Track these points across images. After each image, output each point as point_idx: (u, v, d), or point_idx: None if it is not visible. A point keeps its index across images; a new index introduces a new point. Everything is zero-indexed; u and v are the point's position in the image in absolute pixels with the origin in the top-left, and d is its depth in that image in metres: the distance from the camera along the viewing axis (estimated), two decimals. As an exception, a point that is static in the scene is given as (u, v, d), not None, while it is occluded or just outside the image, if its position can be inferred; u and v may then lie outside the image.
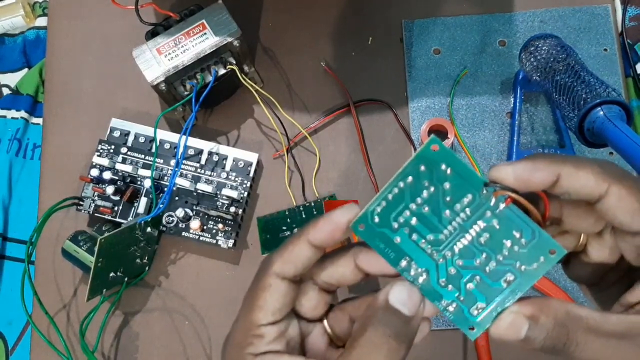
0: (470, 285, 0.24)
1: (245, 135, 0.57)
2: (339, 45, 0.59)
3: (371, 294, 0.26)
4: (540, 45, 0.50)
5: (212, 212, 0.52)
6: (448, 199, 0.24)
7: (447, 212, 0.24)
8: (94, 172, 0.53)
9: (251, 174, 0.54)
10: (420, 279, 0.24)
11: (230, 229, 0.53)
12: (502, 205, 0.23)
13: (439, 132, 0.54)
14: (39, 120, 0.61)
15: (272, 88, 0.57)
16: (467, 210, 0.24)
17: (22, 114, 0.61)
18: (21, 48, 0.63)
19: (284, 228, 0.52)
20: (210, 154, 0.54)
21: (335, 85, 0.57)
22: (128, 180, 0.54)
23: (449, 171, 0.24)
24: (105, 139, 0.55)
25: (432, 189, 0.24)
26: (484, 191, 0.24)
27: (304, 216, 0.52)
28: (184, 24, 0.51)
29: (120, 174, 0.54)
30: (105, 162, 0.53)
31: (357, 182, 0.56)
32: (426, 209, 0.24)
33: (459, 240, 0.24)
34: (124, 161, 0.54)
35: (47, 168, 0.58)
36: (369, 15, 0.59)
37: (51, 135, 0.58)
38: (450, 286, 0.24)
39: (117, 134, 0.55)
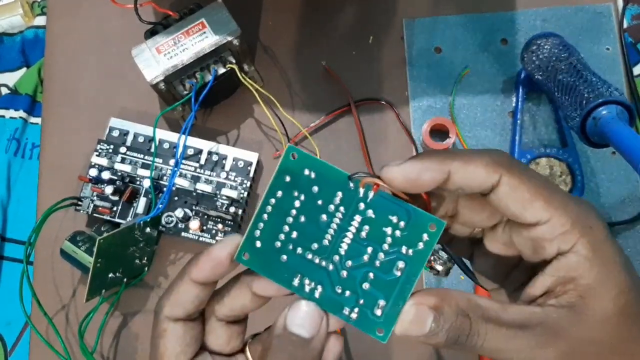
0: (366, 285, 0.23)
1: (245, 135, 0.57)
2: (339, 44, 0.58)
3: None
4: (542, 44, 0.50)
5: (212, 213, 0.52)
6: (320, 202, 0.23)
7: (324, 216, 0.23)
8: (93, 172, 0.53)
9: (251, 174, 0.54)
10: (317, 293, 0.23)
11: (230, 229, 0.53)
12: (371, 194, 0.23)
13: (440, 131, 0.54)
14: (38, 120, 0.61)
15: (272, 87, 0.57)
16: (341, 208, 0.23)
17: (21, 113, 0.61)
18: (20, 47, 0.63)
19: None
20: (209, 153, 0.54)
21: (336, 84, 0.57)
22: (127, 180, 0.53)
23: (313, 175, 0.24)
24: (104, 139, 0.55)
25: (302, 197, 0.23)
26: (351, 184, 0.23)
27: None
28: (183, 22, 0.51)
29: (119, 173, 0.53)
30: (104, 162, 0.53)
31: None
32: (302, 218, 0.23)
33: (342, 241, 0.23)
34: (123, 161, 0.54)
35: (46, 168, 0.57)
36: (370, 14, 0.59)
37: (50, 135, 0.58)
38: (347, 292, 0.23)
39: (116, 133, 0.55)
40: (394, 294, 0.23)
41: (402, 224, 0.23)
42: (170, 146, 0.54)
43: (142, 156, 0.54)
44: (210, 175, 0.53)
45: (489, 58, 0.57)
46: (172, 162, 0.54)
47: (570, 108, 0.46)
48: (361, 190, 0.23)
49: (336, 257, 0.23)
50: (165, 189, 0.53)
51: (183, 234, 0.53)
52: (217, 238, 0.53)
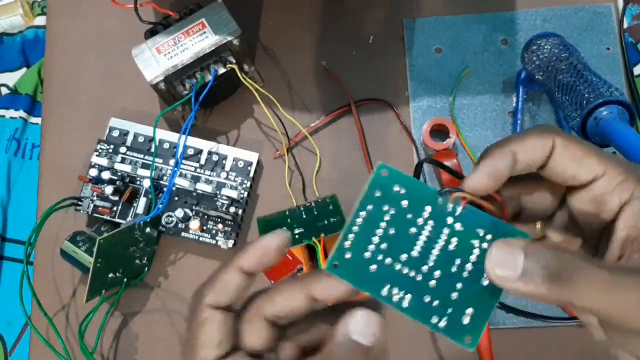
0: (454, 295, 0.23)
1: (245, 135, 0.57)
2: (339, 44, 0.58)
3: (322, 322, 0.26)
4: (542, 44, 0.50)
5: (212, 213, 0.52)
6: (409, 216, 0.24)
7: (413, 229, 0.24)
8: (93, 172, 0.53)
9: (251, 174, 0.54)
10: (405, 302, 0.24)
11: (230, 229, 0.53)
12: (459, 208, 0.24)
13: (440, 131, 0.54)
14: (38, 120, 0.61)
15: (272, 87, 0.57)
16: (430, 222, 0.24)
17: (21, 113, 0.61)
18: (20, 47, 0.63)
19: (284, 229, 0.51)
20: (209, 153, 0.54)
21: (336, 84, 0.57)
22: (127, 180, 0.53)
23: (402, 190, 0.25)
24: (104, 139, 0.55)
25: (392, 210, 0.25)
26: (440, 200, 0.24)
27: (304, 216, 0.52)
28: (183, 22, 0.51)
29: (119, 173, 0.53)
30: (104, 162, 0.53)
31: (358, 182, 0.55)
32: (392, 231, 0.24)
33: (431, 253, 0.24)
34: (123, 161, 0.54)
35: (46, 168, 0.57)
36: (370, 14, 0.59)
37: (50, 135, 0.58)
38: (435, 301, 0.24)
39: (116, 133, 0.55)
40: (481, 303, 0.23)
41: (488, 236, 0.24)
42: (171, 146, 0.54)
43: (142, 156, 0.54)
44: (210, 175, 0.53)
45: (489, 58, 0.57)
46: (172, 162, 0.54)
47: (570, 108, 0.46)
48: (450, 205, 0.24)
49: (425, 268, 0.24)
50: (165, 189, 0.53)
51: (183, 234, 0.53)
52: (217, 238, 0.53)
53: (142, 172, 0.53)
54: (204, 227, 0.53)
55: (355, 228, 0.25)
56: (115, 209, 0.53)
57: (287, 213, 0.53)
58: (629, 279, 0.21)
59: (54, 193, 0.54)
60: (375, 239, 0.24)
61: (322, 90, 0.57)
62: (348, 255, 0.24)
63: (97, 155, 0.54)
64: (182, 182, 0.52)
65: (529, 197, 0.26)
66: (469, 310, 0.23)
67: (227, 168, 0.54)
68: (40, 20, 0.63)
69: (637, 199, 0.23)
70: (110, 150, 0.54)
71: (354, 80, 0.57)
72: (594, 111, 0.44)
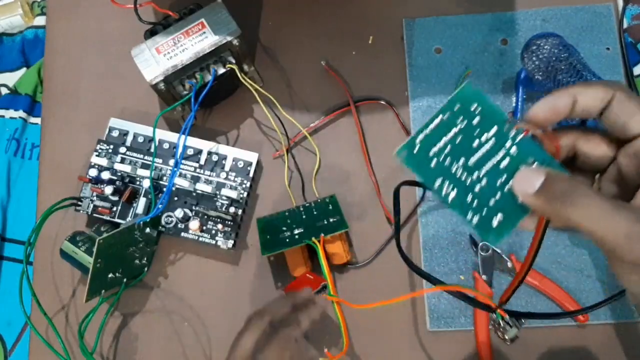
0: (492, 201, 0.28)
1: (245, 135, 0.57)
2: (339, 44, 0.58)
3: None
4: (542, 45, 0.50)
5: (212, 213, 0.52)
6: (477, 131, 0.29)
7: (476, 142, 0.29)
8: (93, 172, 0.53)
9: (251, 174, 0.54)
10: (451, 196, 0.29)
11: (229, 229, 0.53)
12: (520, 136, 0.29)
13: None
14: (38, 120, 0.61)
15: (272, 87, 0.57)
16: (492, 140, 0.29)
17: (21, 113, 0.61)
18: (20, 47, 0.63)
19: (284, 229, 0.51)
20: (209, 153, 0.54)
21: (336, 84, 0.57)
22: (127, 180, 0.53)
23: (478, 109, 0.29)
24: (104, 139, 0.55)
25: (464, 123, 0.29)
26: (507, 125, 0.29)
27: (304, 217, 0.52)
28: (183, 23, 0.51)
29: (119, 174, 0.53)
30: (103, 162, 0.53)
31: (358, 182, 0.55)
32: (459, 139, 0.29)
33: (484, 165, 0.29)
34: (122, 161, 0.54)
35: (46, 168, 0.57)
36: (370, 14, 0.59)
37: (49, 135, 0.58)
38: (475, 202, 0.28)
39: (115, 133, 0.55)
40: (510, 215, 0.28)
41: (535, 165, 0.28)
42: (170, 146, 0.54)
43: (141, 156, 0.54)
44: (210, 176, 0.53)
45: (489, 58, 0.57)
46: (171, 162, 0.54)
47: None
48: (513, 132, 0.29)
49: (475, 175, 0.29)
50: (165, 189, 0.53)
51: (183, 234, 0.53)
52: (216, 238, 0.53)
53: (141, 172, 0.53)
54: (204, 227, 0.53)
55: (429, 128, 0.30)
56: (115, 209, 0.53)
57: (286, 214, 0.53)
58: (624, 211, 0.24)
59: (53, 193, 0.54)
60: (443, 141, 0.29)
61: (322, 91, 0.57)
62: (416, 149, 0.30)
63: (96, 156, 0.54)
64: (181, 182, 0.52)
65: (585, 145, 0.29)
66: (499, 217, 0.28)
67: (227, 168, 0.54)
68: (40, 21, 0.63)
69: None
70: (110, 151, 0.54)
71: (353, 80, 0.57)
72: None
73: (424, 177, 0.29)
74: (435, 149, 0.29)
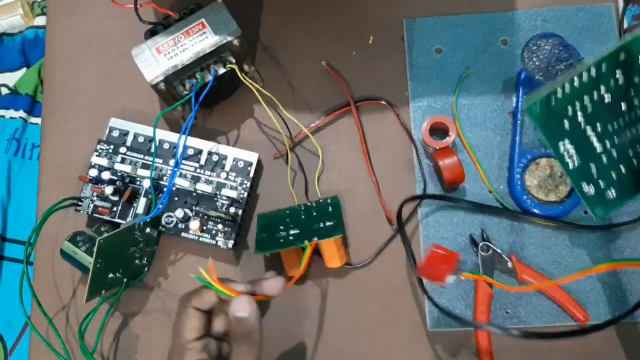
0: (613, 175, 0.25)
1: (245, 135, 0.57)
2: (339, 44, 0.58)
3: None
4: (542, 45, 0.50)
5: (212, 213, 0.52)
6: (632, 92, 0.24)
7: (624, 105, 0.24)
8: (93, 172, 0.53)
9: (251, 174, 0.54)
10: (571, 164, 0.25)
11: (230, 229, 0.53)
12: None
13: (440, 130, 0.54)
14: (38, 120, 0.61)
15: (272, 87, 0.57)
16: None
17: (21, 113, 0.61)
18: (20, 47, 0.63)
19: (281, 227, 0.51)
20: (209, 153, 0.54)
21: (336, 84, 0.57)
22: (127, 180, 0.53)
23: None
24: (104, 139, 0.55)
25: (621, 80, 0.24)
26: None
27: (302, 217, 0.52)
28: (183, 23, 0.51)
29: (119, 174, 0.53)
30: (104, 162, 0.53)
31: (358, 182, 0.55)
32: (607, 98, 0.24)
33: (621, 135, 0.24)
34: (123, 161, 0.54)
35: (46, 168, 0.57)
36: (370, 13, 0.59)
37: (50, 135, 0.58)
38: (595, 173, 0.25)
39: (116, 133, 0.55)
40: (626, 193, 0.25)
41: None
42: (171, 146, 0.54)
43: (142, 156, 0.54)
44: (210, 176, 0.53)
45: (489, 58, 0.57)
46: (172, 162, 0.54)
47: (570, 108, 0.46)
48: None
49: (608, 144, 0.25)
50: (165, 189, 0.53)
51: (183, 234, 0.53)
52: (217, 238, 0.53)
53: (142, 172, 0.53)
54: (204, 228, 0.53)
55: (575, 82, 0.24)
56: (115, 209, 0.53)
57: (287, 212, 0.53)
58: None
59: (54, 193, 0.54)
60: (585, 100, 0.24)
61: (322, 91, 0.57)
62: (552, 103, 0.25)
63: (97, 156, 0.54)
64: (182, 183, 0.52)
65: None
66: (613, 192, 0.26)
67: (227, 168, 0.54)
68: (40, 21, 0.63)
69: None
70: (110, 151, 0.54)
71: (354, 80, 0.57)
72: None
73: (550, 139, 0.26)
74: (573, 109, 0.25)
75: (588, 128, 0.25)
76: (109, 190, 0.52)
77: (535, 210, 0.52)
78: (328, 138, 0.56)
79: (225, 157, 0.54)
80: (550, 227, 0.53)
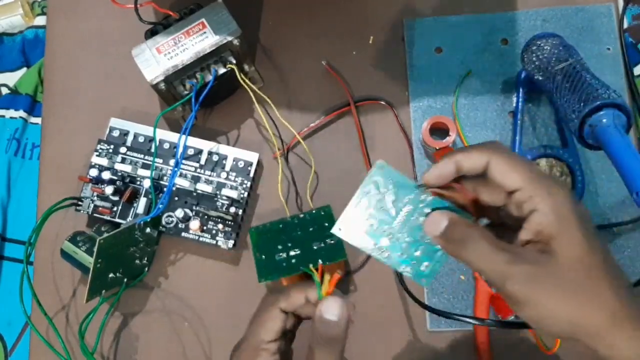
0: (418, 253, 0.35)
1: (246, 135, 0.57)
2: (339, 44, 0.58)
3: None
4: (542, 45, 0.50)
5: (212, 213, 0.52)
6: (394, 198, 0.35)
7: (395, 209, 0.35)
8: (93, 172, 0.53)
9: (251, 174, 0.54)
10: (385, 255, 0.35)
11: (230, 229, 0.53)
12: (429, 198, 0.34)
13: (440, 129, 0.54)
14: (38, 120, 0.61)
15: (272, 87, 0.57)
16: (408, 206, 0.34)
17: (21, 113, 0.61)
18: (20, 47, 0.63)
19: (279, 247, 0.48)
20: (210, 153, 0.54)
21: (336, 84, 0.57)
22: (127, 180, 0.53)
23: (392, 182, 0.34)
24: (105, 139, 0.55)
25: (384, 195, 0.35)
26: (417, 191, 0.34)
27: (299, 232, 0.49)
28: (183, 23, 0.51)
29: (120, 174, 0.53)
30: (104, 162, 0.53)
31: (357, 182, 0.55)
32: (381, 208, 0.35)
33: (406, 225, 0.35)
34: (123, 161, 0.54)
35: (46, 168, 0.57)
36: (371, 14, 0.59)
37: (50, 135, 0.58)
38: (405, 256, 0.35)
39: (116, 133, 0.55)
40: (435, 259, 0.35)
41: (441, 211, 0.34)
42: (171, 146, 0.54)
43: (142, 156, 0.54)
44: (210, 176, 0.53)
45: (490, 58, 0.57)
46: (172, 162, 0.54)
47: (569, 110, 0.46)
48: (423, 195, 0.34)
49: (400, 235, 0.35)
50: (165, 189, 0.53)
51: (183, 234, 0.53)
52: (217, 238, 0.53)
53: (142, 172, 0.53)
54: (204, 228, 0.53)
55: (357, 204, 0.35)
56: (115, 209, 0.53)
57: (280, 226, 0.50)
58: (501, 254, 0.30)
59: (54, 193, 0.54)
60: (370, 212, 0.35)
61: (322, 91, 0.57)
62: (349, 223, 0.35)
63: (97, 156, 0.54)
64: (182, 182, 0.52)
65: (484, 189, 0.34)
66: (426, 263, 0.35)
67: (227, 168, 0.54)
68: (41, 20, 0.63)
69: (537, 211, 0.31)
70: (111, 151, 0.54)
71: (354, 80, 0.57)
72: (589, 116, 0.44)
73: (359, 244, 0.34)
74: (365, 220, 0.35)
75: (383, 230, 0.34)
76: (109, 190, 0.52)
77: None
78: (328, 137, 0.56)
79: (225, 157, 0.54)
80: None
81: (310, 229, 0.49)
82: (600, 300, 0.30)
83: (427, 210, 0.34)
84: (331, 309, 0.36)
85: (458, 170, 0.33)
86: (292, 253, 0.48)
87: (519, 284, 0.30)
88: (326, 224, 0.49)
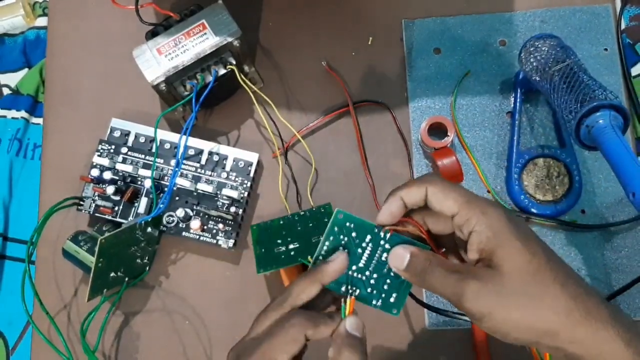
0: (385, 286, 0.37)
1: (246, 135, 0.57)
2: (339, 45, 0.59)
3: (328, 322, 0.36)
4: (540, 46, 0.50)
5: (213, 212, 0.52)
6: (357, 241, 0.37)
7: (359, 249, 0.37)
8: (95, 172, 0.53)
9: (251, 174, 0.54)
10: (356, 293, 0.37)
11: (230, 229, 0.53)
12: (388, 235, 0.37)
13: (439, 129, 0.54)
14: (39, 120, 0.61)
15: (272, 88, 0.57)
16: (370, 245, 0.37)
17: (23, 114, 0.61)
18: (21, 48, 0.63)
19: (279, 241, 0.50)
20: (210, 154, 0.54)
21: (335, 85, 0.57)
22: (128, 180, 0.54)
23: (352, 226, 0.37)
24: (106, 139, 0.55)
25: (346, 238, 0.37)
26: (376, 230, 0.37)
27: (299, 227, 0.50)
28: (184, 24, 0.51)
29: (121, 174, 0.54)
30: (105, 162, 0.53)
31: (354, 183, 0.56)
32: (346, 251, 0.37)
33: (371, 263, 0.37)
34: (124, 161, 0.54)
35: (48, 168, 0.58)
36: (370, 15, 0.59)
37: (51, 135, 0.58)
38: (374, 291, 0.38)
39: (117, 134, 0.55)
40: (401, 290, 0.38)
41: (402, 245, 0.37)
42: (171, 146, 0.55)
43: (143, 156, 0.54)
44: (211, 176, 0.54)
45: (488, 59, 0.57)
46: (173, 162, 0.54)
47: (566, 110, 0.46)
48: (382, 234, 0.37)
49: (367, 273, 0.37)
50: (166, 189, 0.53)
51: (184, 233, 0.53)
52: (217, 238, 0.53)
53: (143, 172, 0.54)
54: (205, 227, 0.53)
55: (324, 249, 0.37)
56: (116, 208, 0.54)
57: (281, 222, 0.51)
58: (452, 276, 0.33)
59: (55, 193, 0.55)
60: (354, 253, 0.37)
61: (322, 91, 0.58)
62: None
63: (98, 156, 0.54)
64: (183, 182, 0.53)
65: (431, 220, 0.37)
66: (394, 295, 0.38)
67: (228, 168, 0.54)
68: (42, 21, 0.64)
69: (475, 232, 0.33)
70: (112, 151, 0.54)
71: (353, 81, 0.57)
72: (586, 117, 0.44)
73: (331, 286, 0.36)
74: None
75: (350, 270, 0.37)
76: (110, 190, 0.52)
77: (533, 210, 0.53)
78: (327, 138, 0.57)
79: (225, 157, 0.54)
80: (548, 226, 0.54)
81: (310, 225, 0.50)
82: (552, 301, 0.31)
83: (388, 246, 0.37)
84: (356, 326, 0.36)
85: (405, 205, 0.36)
86: (291, 246, 0.49)
87: (471, 301, 0.32)
88: (326, 220, 0.49)
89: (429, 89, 0.57)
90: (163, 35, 0.51)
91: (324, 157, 0.56)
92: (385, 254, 0.37)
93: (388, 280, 0.37)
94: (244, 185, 0.53)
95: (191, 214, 0.53)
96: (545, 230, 0.53)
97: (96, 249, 0.48)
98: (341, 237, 0.37)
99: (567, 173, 0.53)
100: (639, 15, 0.60)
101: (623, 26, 0.58)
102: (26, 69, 0.63)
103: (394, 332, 0.53)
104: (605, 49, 0.57)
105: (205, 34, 0.51)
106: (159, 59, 0.50)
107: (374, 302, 0.38)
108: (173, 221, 0.53)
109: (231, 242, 0.53)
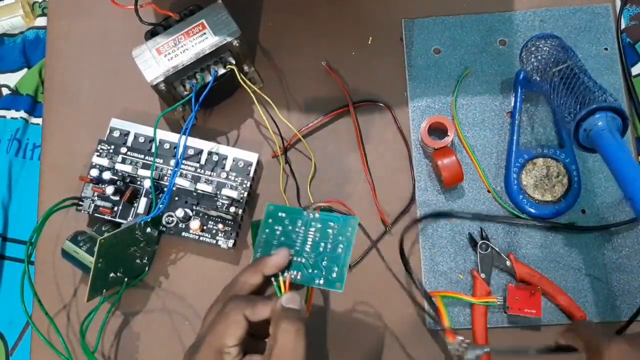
0: (324, 263, 0.40)
1: (245, 135, 0.57)
2: (339, 45, 0.59)
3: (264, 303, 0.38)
4: (540, 46, 0.50)
5: (212, 212, 0.52)
6: (290, 227, 0.42)
7: (294, 234, 0.41)
8: (94, 172, 0.53)
9: (251, 174, 0.54)
10: (298, 277, 0.41)
11: (230, 229, 0.53)
12: (317, 214, 0.41)
13: (439, 129, 0.54)
14: (39, 121, 0.61)
15: (271, 88, 0.57)
16: (302, 227, 0.41)
17: (22, 114, 0.61)
18: (21, 48, 0.63)
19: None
20: (210, 154, 0.54)
21: (335, 84, 0.57)
22: (128, 180, 0.54)
23: (284, 214, 0.42)
24: (105, 139, 0.55)
25: (280, 228, 0.42)
26: (305, 212, 0.41)
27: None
28: (183, 24, 0.51)
29: (120, 174, 0.53)
30: (105, 162, 0.53)
31: (354, 182, 0.56)
32: (283, 238, 0.42)
33: (306, 244, 0.41)
34: (123, 161, 0.54)
35: (47, 168, 0.58)
36: (369, 14, 0.59)
37: (51, 135, 0.58)
38: (315, 270, 0.40)
39: (116, 134, 0.55)
40: (340, 263, 0.40)
41: (336, 225, 0.42)
42: (171, 146, 0.55)
43: (142, 156, 0.54)
44: (210, 176, 0.54)
45: (488, 58, 0.57)
46: (172, 162, 0.54)
47: (565, 112, 0.46)
48: (311, 214, 0.42)
49: (305, 255, 0.41)
50: (165, 189, 0.53)
51: (183, 233, 0.53)
52: (217, 238, 0.53)
53: (142, 172, 0.54)
54: (204, 227, 0.53)
55: (262, 240, 0.42)
56: (116, 209, 0.54)
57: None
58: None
59: (55, 193, 0.55)
60: (275, 243, 0.42)
61: (322, 91, 0.57)
62: (259, 253, 0.42)
63: (98, 156, 0.54)
64: (182, 182, 0.53)
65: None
66: (335, 269, 0.40)
67: (227, 168, 0.54)
68: (41, 21, 0.64)
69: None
70: (111, 151, 0.54)
71: (353, 81, 0.57)
72: (584, 120, 0.43)
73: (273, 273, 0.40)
74: (273, 250, 0.41)
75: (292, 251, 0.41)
76: (109, 190, 0.52)
77: (531, 210, 0.53)
78: (327, 138, 0.57)
79: (225, 157, 0.54)
80: (548, 226, 0.53)
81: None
82: None
83: (319, 225, 0.41)
84: (292, 301, 0.38)
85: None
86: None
87: None
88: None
89: (429, 89, 0.57)
90: (162, 35, 0.51)
91: (324, 156, 0.56)
92: (318, 234, 0.41)
93: (325, 258, 0.40)
94: (244, 185, 0.53)
95: (191, 214, 0.53)
96: (545, 231, 0.53)
97: (95, 249, 0.48)
98: (275, 227, 0.41)
99: (566, 173, 0.53)
100: (639, 14, 0.60)
101: (623, 25, 0.58)
102: (25, 69, 0.63)
103: (393, 332, 0.53)
104: (606, 49, 0.57)
105: (204, 33, 0.51)
106: (158, 59, 0.50)
107: (316, 281, 0.40)
108: (172, 221, 0.53)
109: (231, 242, 0.53)
